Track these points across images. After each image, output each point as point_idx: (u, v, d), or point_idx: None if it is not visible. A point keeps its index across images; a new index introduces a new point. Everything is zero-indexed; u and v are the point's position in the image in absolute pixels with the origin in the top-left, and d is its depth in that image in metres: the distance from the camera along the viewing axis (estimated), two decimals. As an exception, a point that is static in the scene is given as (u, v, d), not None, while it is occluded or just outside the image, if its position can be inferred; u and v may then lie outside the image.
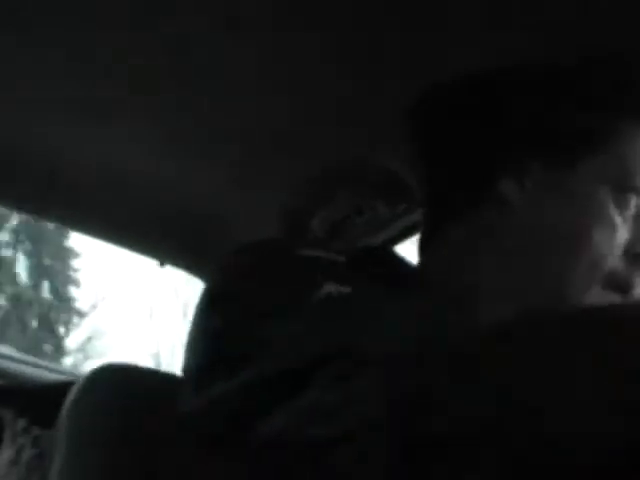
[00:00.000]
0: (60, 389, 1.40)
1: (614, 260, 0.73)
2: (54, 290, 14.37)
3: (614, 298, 0.73)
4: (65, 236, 14.33)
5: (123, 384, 1.10)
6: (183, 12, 1.03)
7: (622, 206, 0.74)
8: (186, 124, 1.20)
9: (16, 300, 13.46)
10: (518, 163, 0.76)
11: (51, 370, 2.13)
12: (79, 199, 1.52)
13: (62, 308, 14.40)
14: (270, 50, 1.08)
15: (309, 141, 1.23)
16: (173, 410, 0.75)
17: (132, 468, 0.99)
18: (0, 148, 1.32)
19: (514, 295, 0.73)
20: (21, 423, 1.43)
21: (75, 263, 14.81)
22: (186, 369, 0.68)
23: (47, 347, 13.91)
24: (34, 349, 11.93)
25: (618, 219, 0.73)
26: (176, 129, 1.21)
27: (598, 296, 0.72)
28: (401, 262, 0.82)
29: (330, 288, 0.60)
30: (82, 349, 14.56)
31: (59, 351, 14.12)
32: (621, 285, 0.73)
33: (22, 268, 14.24)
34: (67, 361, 13.99)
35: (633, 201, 0.75)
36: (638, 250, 0.74)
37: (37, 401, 1.48)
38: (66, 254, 14.64)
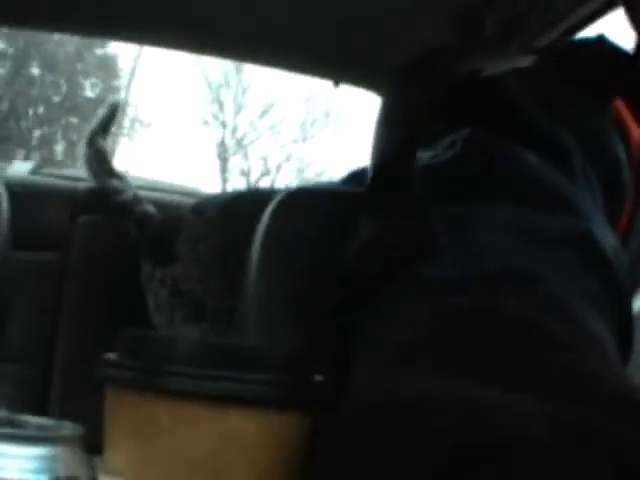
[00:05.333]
0: (172, 221, 1.44)
1: None
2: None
3: None
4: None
5: (316, 207, 1.14)
6: None
7: None
8: None
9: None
10: None
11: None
12: (237, 24, 1.55)
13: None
14: None
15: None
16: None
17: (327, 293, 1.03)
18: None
19: None
20: (145, 269, 1.46)
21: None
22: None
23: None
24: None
25: None
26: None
27: None
28: None
29: None
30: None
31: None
32: None
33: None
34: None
35: None
36: None
37: (154, 239, 1.50)
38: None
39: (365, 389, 0.44)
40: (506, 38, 1.51)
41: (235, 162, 13.30)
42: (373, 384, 0.44)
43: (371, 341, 0.49)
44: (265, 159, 13.33)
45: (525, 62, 0.70)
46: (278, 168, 13.26)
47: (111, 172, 1.62)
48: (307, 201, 1.09)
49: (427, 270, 0.50)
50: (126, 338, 0.55)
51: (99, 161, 1.62)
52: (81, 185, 1.71)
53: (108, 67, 13.64)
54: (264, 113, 13.46)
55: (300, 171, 13.45)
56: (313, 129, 13.48)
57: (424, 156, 0.59)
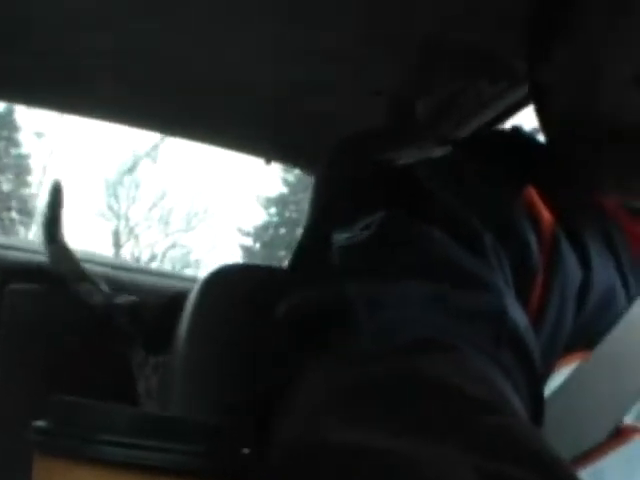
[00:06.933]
0: (172, 309, 1.44)
1: None
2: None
3: None
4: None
5: (242, 285, 1.13)
6: None
7: None
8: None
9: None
10: None
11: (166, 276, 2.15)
12: (174, 102, 1.57)
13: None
14: None
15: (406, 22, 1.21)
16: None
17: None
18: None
19: None
20: (140, 355, 1.50)
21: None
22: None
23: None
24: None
25: None
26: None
27: None
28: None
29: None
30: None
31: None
32: None
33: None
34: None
35: None
36: None
37: (151, 328, 1.53)
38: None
39: (295, 442, 0.44)
40: (436, 122, 1.56)
41: (127, 248, 15.82)
42: (304, 436, 0.43)
43: (292, 407, 0.49)
44: (153, 246, 16.05)
45: (440, 152, 0.73)
46: (164, 254, 16.06)
47: (83, 276, 1.61)
48: (234, 277, 1.14)
49: (344, 342, 0.51)
50: (57, 406, 0.54)
51: (68, 265, 1.61)
52: (11, 254, 1.72)
53: (22, 165, 15.08)
54: (154, 206, 16.20)
55: (183, 257, 16.28)
56: (194, 221, 16.20)
57: (341, 237, 0.60)
